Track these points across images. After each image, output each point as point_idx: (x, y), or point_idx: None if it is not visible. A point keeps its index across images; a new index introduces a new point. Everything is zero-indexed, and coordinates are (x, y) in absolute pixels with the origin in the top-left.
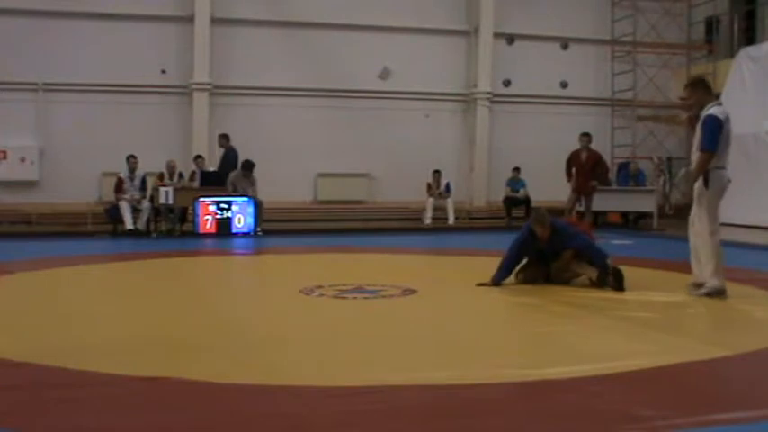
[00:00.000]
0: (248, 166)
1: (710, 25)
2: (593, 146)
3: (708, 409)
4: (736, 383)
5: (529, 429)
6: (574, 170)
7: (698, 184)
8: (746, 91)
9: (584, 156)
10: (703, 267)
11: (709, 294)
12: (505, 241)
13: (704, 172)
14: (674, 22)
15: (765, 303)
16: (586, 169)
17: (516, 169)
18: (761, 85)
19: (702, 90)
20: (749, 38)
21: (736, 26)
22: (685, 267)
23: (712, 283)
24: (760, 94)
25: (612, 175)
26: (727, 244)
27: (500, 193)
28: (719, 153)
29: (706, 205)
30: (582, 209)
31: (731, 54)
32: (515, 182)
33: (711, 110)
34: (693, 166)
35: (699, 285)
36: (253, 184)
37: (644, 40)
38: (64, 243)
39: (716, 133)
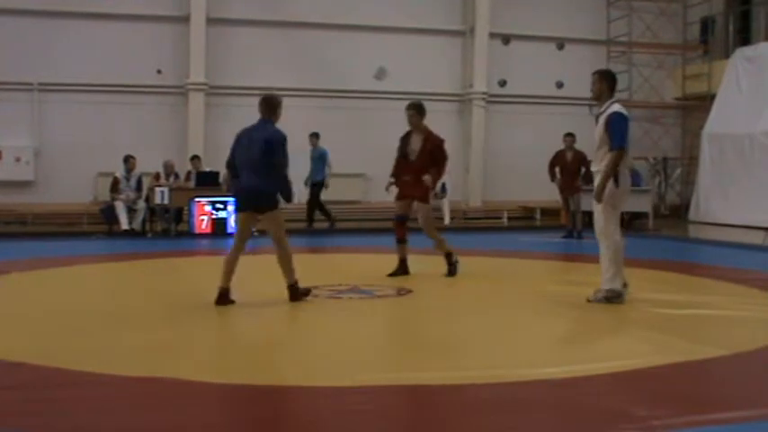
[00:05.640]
0: None
1: (706, 26)
2: (577, 145)
3: (703, 409)
4: (731, 383)
5: (524, 429)
6: (558, 170)
7: (609, 185)
8: (741, 91)
9: (569, 156)
10: (603, 270)
11: (609, 299)
12: (499, 241)
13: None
14: (670, 23)
15: (760, 303)
16: (572, 169)
17: (315, 135)
18: (756, 85)
19: (607, 83)
20: (744, 38)
21: (731, 26)
22: (681, 268)
23: (612, 285)
24: (755, 95)
25: None
26: (722, 244)
27: (497, 194)
28: (625, 152)
29: (615, 205)
30: (573, 208)
31: (726, 54)
32: (315, 150)
33: (615, 107)
34: (601, 166)
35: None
36: None
37: (639, 41)
38: (59, 243)
39: (624, 130)
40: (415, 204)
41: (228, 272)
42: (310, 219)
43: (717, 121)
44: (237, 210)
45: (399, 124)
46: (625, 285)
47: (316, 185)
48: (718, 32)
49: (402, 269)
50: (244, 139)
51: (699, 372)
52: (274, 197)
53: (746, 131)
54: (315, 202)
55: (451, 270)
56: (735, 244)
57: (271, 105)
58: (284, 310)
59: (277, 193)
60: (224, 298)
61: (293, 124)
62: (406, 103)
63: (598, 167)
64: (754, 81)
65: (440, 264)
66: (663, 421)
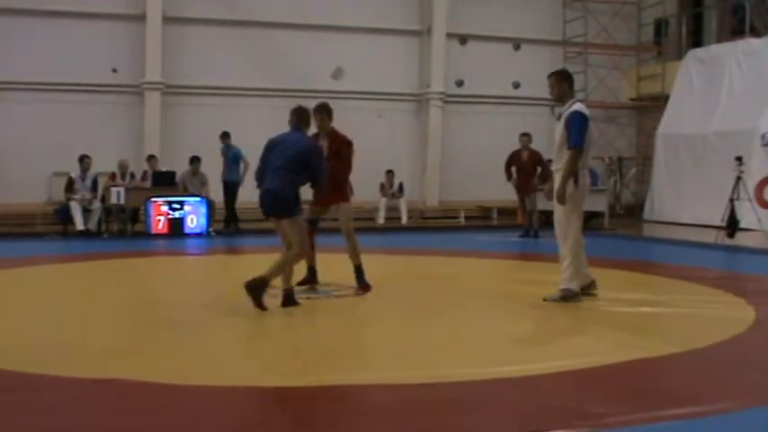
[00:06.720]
0: (193, 161)
1: (659, 27)
2: (534, 145)
3: (657, 405)
4: (686, 380)
5: (480, 428)
6: (514, 170)
7: (569, 185)
8: (694, 92)
9: (525, 155)
10: (563, 269)
11: (565, 298)
12: (456, 240)
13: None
14: (625, 24)
15: (713, 301)
16: (528, 169)
17: (226, 134)
18: (708, 86)
19: (567, 84)
20: (696, 40)
21: (684, 28)
22: (637, 266)
23: (569, 285)
24: (707, 96)
25: None
26: (676, 243)
27: (454, 194)
28: (585, 152)
29: (575, 205)
30: (530, 208)
31: (679, 56)
32: (229, 150)
33: (576, 106)
34: (561, 165)
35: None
36: (203, 183)
37: (595, 42)
38: (13, 244)
39: (584, 130)
40: (337, 207)
41: (287, 274)
42: (234, 220)
43: (670, 122)
44: (265, 215)
45: (357, 124)
46: (593, 283)
47: (232, 185)
48: (672, 34)
49: (311, 277)
50: (277, 147)
51: (654, 369)
52: (292, 203)
53: (699, 132)
54: (231, 202)
55: (363, 285)
56: (688, 242)
57: (304, 116)
58: (240, 312)
59: (295, 198)
60: (289, 300)
61: (250, 123)
62: (364, 103)
63: (557, 166)
64: (707, 82)
65: (406, 264)
66: (618, 418)
